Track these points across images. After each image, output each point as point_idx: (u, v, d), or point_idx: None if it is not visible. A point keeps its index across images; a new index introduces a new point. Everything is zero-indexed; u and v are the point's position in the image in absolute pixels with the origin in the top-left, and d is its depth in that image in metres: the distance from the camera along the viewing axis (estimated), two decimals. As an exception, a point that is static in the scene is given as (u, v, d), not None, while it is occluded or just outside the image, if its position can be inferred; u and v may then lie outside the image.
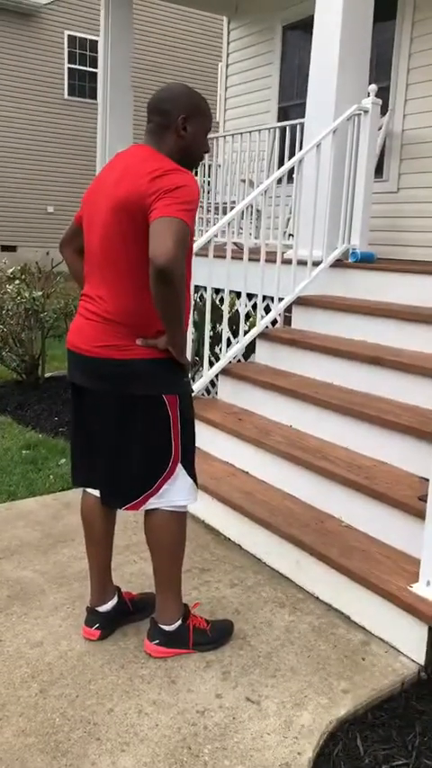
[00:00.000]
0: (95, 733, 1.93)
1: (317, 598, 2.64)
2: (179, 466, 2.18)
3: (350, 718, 2.04)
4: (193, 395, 3.80)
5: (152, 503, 2.17)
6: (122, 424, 2.11)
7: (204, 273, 3.96)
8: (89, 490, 2.33)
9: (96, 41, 14.50)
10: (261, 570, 2.86)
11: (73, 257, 2.32)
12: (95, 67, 14.72)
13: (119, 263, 2.01)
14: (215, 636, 2.33)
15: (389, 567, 2.49)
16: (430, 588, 2.28)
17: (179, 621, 2.28)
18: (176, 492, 2.18)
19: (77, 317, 2.16)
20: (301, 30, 6.68)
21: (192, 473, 2.24)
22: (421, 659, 2.25)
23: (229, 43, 7.85)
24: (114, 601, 2.39)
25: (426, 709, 2.10)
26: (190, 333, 4.01)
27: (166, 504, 2.19)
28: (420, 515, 2.39)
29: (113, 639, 2.35)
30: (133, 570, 2.83)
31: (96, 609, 2.37)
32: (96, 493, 2.30)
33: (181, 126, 2.04)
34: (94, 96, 14.58)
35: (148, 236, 1.86)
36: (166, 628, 2.27)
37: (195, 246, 3.88)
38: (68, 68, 15.31)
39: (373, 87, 4.19)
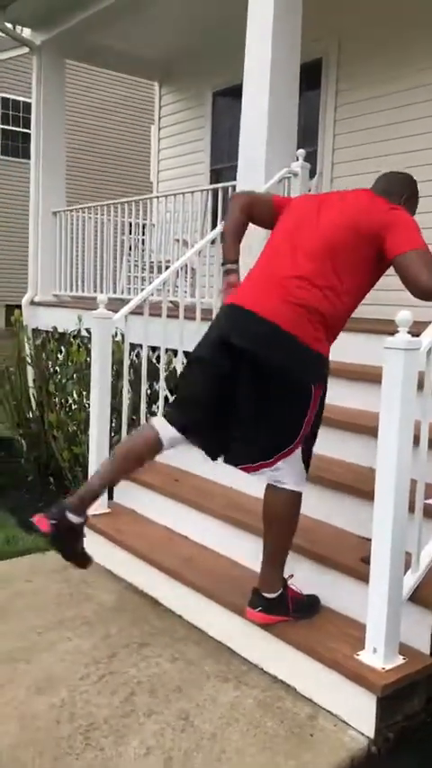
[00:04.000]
0: None
1: (262, 670, 2.53)
2: (299, 449, 2.40)
3: (300, 802, 1.93)
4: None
5: (264, 472, 2.42)
6: (270, 392, 2.35)
7: (140, 332, 3.92)
8: (157, 425, 2.54)
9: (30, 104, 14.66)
10: (203, 641, 2.74)
11: (242, 207, 2.68)
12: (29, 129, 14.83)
13: (336, 264, 2.35)
14: (310, 604, 2.57)
15: (334, 634, 2.42)
16: (377, 656, 2.21)
17: (280, 590, 2.51)
18: (288, 473, 2.41)
19: (250, 285, 2.45)
20: (230, 96, 6.90)
21: (307, 462, 2.48)
22: (371, 732, 2.17)
23: (161, 107, 8.05)
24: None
25: (377, 787, 2.01)
26: (126, 391, 3.94)
27: (273, 479, 2.43)
28: (363, 578, 2.34)
29: (47, 729, 2.18)
30: (68, 648, 2.67)
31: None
32: (165, 432, 2.52)
33: (402, 201, 2.53)
34: (28, 156, 14.63)
35: (371, 244, 2.33)
36: (269, 595, 2.50)
37: (131, 305, 3.86)
38: (2, 129, 15.37)
39: (302, 152, 4.32)
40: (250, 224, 2.75)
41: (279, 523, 2.48)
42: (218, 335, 2.45)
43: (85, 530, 3.62)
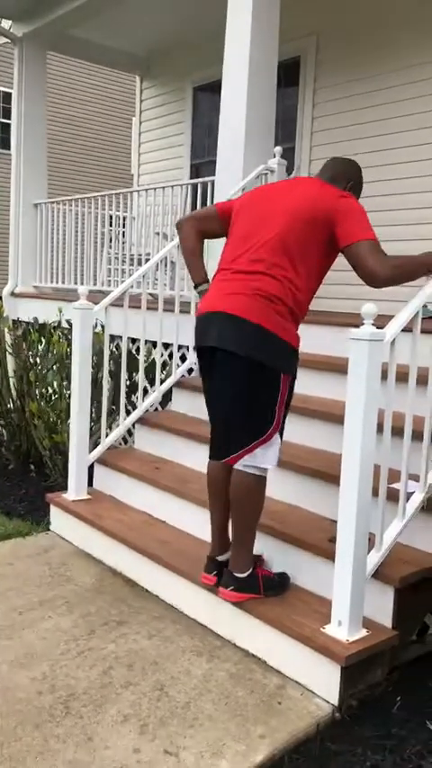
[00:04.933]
0: (8, 799, 1.87)
1: (234, 645, 2.67)
2: (276, 435, 2.56)
3: (267, 763, 2.06)
4: (109, 444, 3.86)
5: (245, 460, 2.54)
6: (242, 383, 2.49)
7: (120, 323, 4.02)
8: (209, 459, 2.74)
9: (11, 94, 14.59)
10: (179, 619, 2.86)
11: (191, 232, 2.81)
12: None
13: (290, 253, 2.47)
14: (281, 581, 2.71)
15: (302, 609, 2.56)
16: (342, 628, 2.35)
17: (251, 570, 2.64)
18: (266, 456, 2.55)
19: (215, 288, 2.58)
20: (210, 91, 7.00)
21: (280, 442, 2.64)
22: (335, 700, 2.31)
23: (142, 101, 8.11)
24: (230, 553, 2.72)
25: (340, 750, 2.15)
26: (106, 382, 4.04)
27: (254, 463, 2.54)
28: (331, 557, 2.47)
29: (28, 700, 2.30)
30: (48, 626, 2.78)
31: (216, 558, 2.74)
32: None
33: (348, 187, 2.68)
34: (9, 147, 14.58)
35: (322, 231, 2.45)
36: (240, 575, 2.62)
37: (111, 297, 3.95)
38: (-18, 118, 15.29)
39: (278, 149, 4.44)
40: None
41: (246, 505, 2.61)
42: (197, 349, 2.65)
43: (65, 514, 3.75)
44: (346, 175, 2.70)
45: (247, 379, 2.48)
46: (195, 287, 2.84)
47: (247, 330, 2.44)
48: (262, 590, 2.64)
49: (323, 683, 2.35)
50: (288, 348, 2.51)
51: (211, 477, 2.76)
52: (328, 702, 2.32)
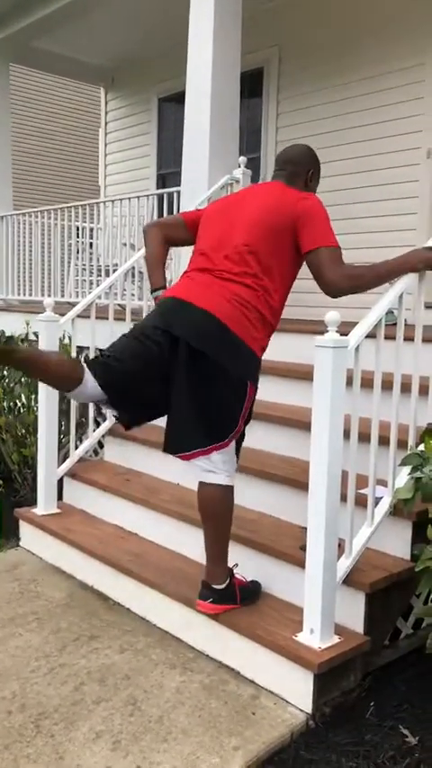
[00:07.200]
0: None
1: (207, 656, 2.65)
2: (233, 443, 2.54)
3: (241, 775, 2.05)
4: (79, 457, 3.80)
5: (198, 462, 2.52)
6: (207, 384, 2.44)
7: (87, 334, 3.99)
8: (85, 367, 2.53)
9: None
10: (151, 632, 2.84)
11: (156, 237, 2.78)
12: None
13: (263, 262, 2.46)
14: (254, 589, 2.71)
15: (275, 618, 2.55)
16: (314, 636, 2.35)
17: (228, 580, 2.62)
18: (222, 463, 2.52)
19: (188, 281, 2.53)
20: (175, 102, 7.03)
21: (237, 455, 2.63)
22: (309, 708, 2.30)
23: (107, 113, 8.11)
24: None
25: (314, 758, 2.14)
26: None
27: (211, 468, 2.51)
28: (302, 565, 2.47)
29: (-3, 720, 2.25)
30: (18, 644, 2.73)
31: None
32: (89, 375, 2.49)
33: (309, 177, 2.68)
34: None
35: (288, 237, 2.45)
36: (218, 587, 2.60)
37: (78, 308, 3.92)
38: None
39: (243, 159, 4.47)
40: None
41: (216, 518, 2.57)
42: (155, 323, 2.49)
43: (35, 529, 3.70)
44: (305, 167, 2.66)
45: (216, 382, 2.42)
46: (152, 291, 2.77)
47: (223, 336, 2.39)
48: (239, 599, 2.62)
49: (296, 691, 2.34)
50: (254, 357, 2.48)
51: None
52: (301, 711, 2.31)
